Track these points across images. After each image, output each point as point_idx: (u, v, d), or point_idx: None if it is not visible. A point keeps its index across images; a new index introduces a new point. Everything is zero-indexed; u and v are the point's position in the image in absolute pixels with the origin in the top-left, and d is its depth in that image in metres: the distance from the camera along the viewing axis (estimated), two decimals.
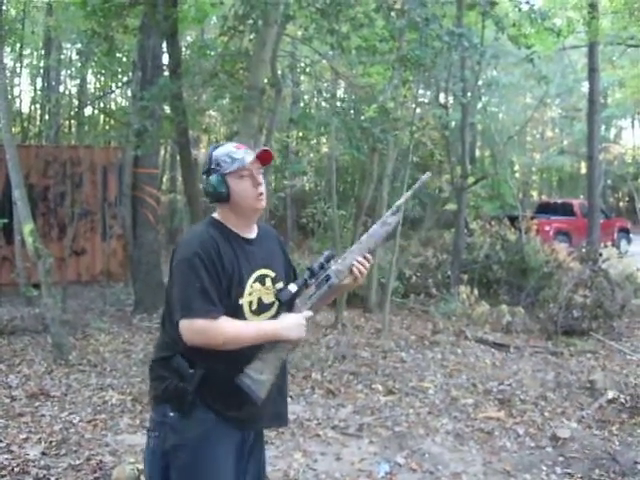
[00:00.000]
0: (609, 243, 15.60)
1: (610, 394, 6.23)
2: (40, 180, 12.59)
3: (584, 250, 11.66)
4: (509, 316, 9.44)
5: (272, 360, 2.46)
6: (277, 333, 2.45)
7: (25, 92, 23.50)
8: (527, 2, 8.27)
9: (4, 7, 14.18)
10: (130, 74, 15.00)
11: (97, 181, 13.12)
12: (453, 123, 15.69)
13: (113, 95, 23.54)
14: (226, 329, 2.38)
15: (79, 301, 11.02)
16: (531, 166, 28.69)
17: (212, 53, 9.32)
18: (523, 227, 11.99)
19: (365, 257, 2.61)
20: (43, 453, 4.76)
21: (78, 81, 21.84)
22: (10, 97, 18.41)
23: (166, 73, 10.00)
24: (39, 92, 21.26)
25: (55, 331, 7.39)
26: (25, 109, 22.27)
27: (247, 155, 2.54)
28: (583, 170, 28.52)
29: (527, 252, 11.35)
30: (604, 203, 23.51)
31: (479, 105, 15.33)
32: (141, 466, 4.26)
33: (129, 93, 18.04)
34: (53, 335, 7.45)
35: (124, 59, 16.42)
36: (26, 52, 21.61)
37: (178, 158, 12.61)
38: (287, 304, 2.55)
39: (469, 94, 11.73)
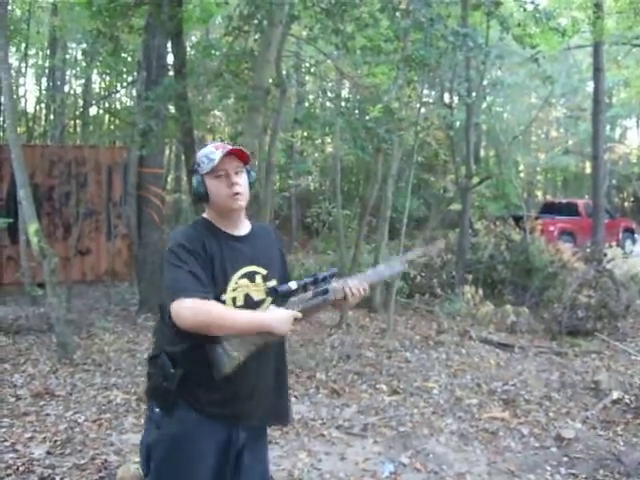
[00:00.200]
0: (614, 243, 15.59)
1: (615, 394, 6.22)
2: (45, 180, 12.63)
3: (589, 250, 11.63)
4: (514, 316, 9.43)
5: (249, 342, 2.46)
6: (266, 323, 2.44)
7: (30, 92, 23.67)
8: (532, 2, 8.27)
9: (9, 7, 14.20)
10: (135, 74, 15.05)
11: (102, 181, 13.16)
12: (458, 123, 15.67)
13: (118, 95, 23.59)
14: (218, 307, 2.40)
15: (84, 300, 11.03)
16: (536, 166, 28.67)
17: (217, 53, 9.33)
18: (528, 227, 11.97)
19: (362, 286, 2.64)
20: (48, 452, 4.77)
21: (83, 81, 21.88)
22: (15, 97, 18.44)
23: (171, 73, 10.01)
24: (44, 92, 21.30)
25: (60, 330, 7.40)
26: (30, 109, 22.34)
27: (214, 155, 2.56)
28: (588, 170, 28.46)
29: (532, 252, 11.33)
30: (609, 203, 23.45)
31: (484, 105, 15.33)
32: None
33: (134, 93, 18.09)
34: (58, 334, 7.46)
35: (129, 59, 16.45)
36: (31, 52, 21.66)
37: (183, 158, 12.63)
38: (281, 299, 2.56)
39: (474, 94, 11.72)
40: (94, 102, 21.71)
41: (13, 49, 18.97)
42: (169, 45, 10.21)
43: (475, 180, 12.52)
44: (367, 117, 10.10)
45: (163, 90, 8.38)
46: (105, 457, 4.71)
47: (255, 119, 7.37)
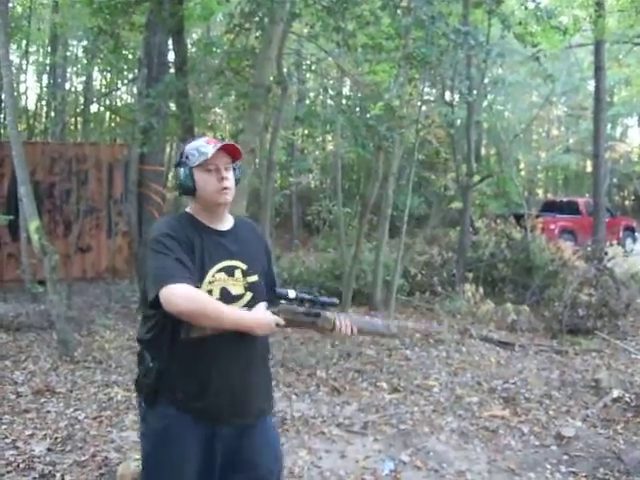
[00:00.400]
0: (614, 242, 15.56)
1: (615, 393, 6.22)
2: (46, 177, 12.62)
3: (589, 249, 11.62)
4: (514, 314, 9.43)
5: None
6: (247, 324, 2.44)
7: (31, 89, 23.63)
8: (533, 0, 8.26)
9: (10, 4, 14.19)
10: (136, 71, 15.01)
11: (103, 178, 13.14)
12: (459, 121, 15.65)
13: (119, 92, 23.60)
14: (210, 298, 2.40)
15: (84, 298, 11.03)
16: (537, 164, 28.66)
17: (218, 50, 9.33)
18: (528, 225, 11.97)
19: (352, 328, 2.63)
20: (48, 449, 4.77)
21: (84, 78, 21.88)
22: (16, 94, 18.44)
23: (172, 70, 10.02)
24: (45, 89, 21.30)
25: (60, 328, 7.40)
26: (31, 106, 22.32)
27: (207, 149, 2.56)
28: (589, 168, 28.46)
29: (532, 250, 11.34)
30: (609, 202, 23.47)
31: (485, 103, 15.34)
32: None
33: (135, 90, 18.05)
34: (58, 332, 7.47)
35: (130, 56, 16.46)
36: (32, 49, 21.66)
37: None
38: (272, 299, 2.57)
39: (475, 92, 11.71)
40: (95, 99, 21.73)
41: (14, 46, 18.97)
42: (170, 42, 10.23)
43: (476, 178, 12.51)
44: (368, 115, 10.10)
45: (164, 87, 8.38)
46: (105, 454, 4.71)
47: (256, 117, 7.37)
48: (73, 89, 22.44)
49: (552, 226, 18.13)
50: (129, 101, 22.27)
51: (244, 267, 2.60)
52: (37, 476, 4.33)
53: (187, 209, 2.66)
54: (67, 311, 8.63)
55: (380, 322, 2.78)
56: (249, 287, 2.58)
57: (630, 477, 4.57)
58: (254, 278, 2.62)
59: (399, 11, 7.74)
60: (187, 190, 2.57)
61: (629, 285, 10.21)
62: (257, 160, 11.42)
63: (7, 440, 4.91)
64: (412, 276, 11.61)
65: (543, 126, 30.52)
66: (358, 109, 11.34)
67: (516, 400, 6.20)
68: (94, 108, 22.49)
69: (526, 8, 8.56)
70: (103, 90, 23.34)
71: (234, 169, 2.64)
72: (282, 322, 2.50)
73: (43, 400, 5.91)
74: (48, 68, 20.23)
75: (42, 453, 4.68)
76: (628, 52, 19.74)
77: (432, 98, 15.11)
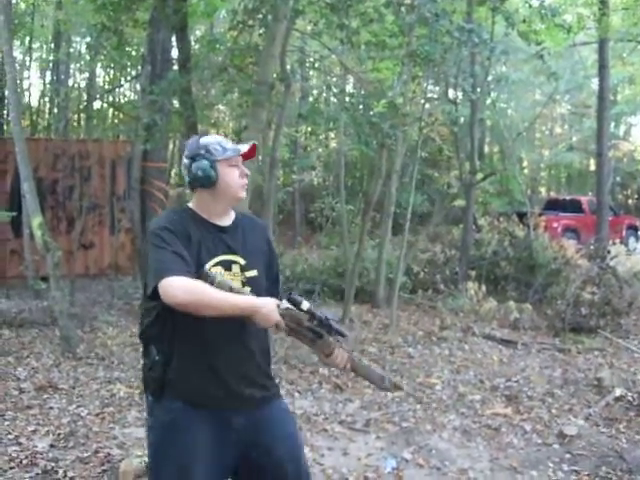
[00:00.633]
0: (617, 240, 15.57)
1: (617, 392, 6.22)
2: (49, 173, 12.63)
3: (592, 247, 11.63)
4: (517, 312, 9.43)
5: None
6: (250, 306, 2.39)
7: (34, 85, 23.66)
8: None
9: (14, 0, 14.21)
10: (139, 68, 15.01)
11: (106, 175, 13.15)
12: (462, 119, 15.61)
13: (122, 89, 23.61)
14: (208, 287, 2.37)
15: (87, 294, 11.03)
16: (540, 162, 28.58)
17: (221, 47, 9.32)
18: (531, 224, 11.97)
19: (348, 364, 2.60)
20: (51, 445, 4.78)
21: (87, 75, 21.91)
22: (19, 90, 18.44)
23: (175, 67, 10.02)
24: (48, 85, 21.32)
25: (63, 324, 7.41)
26: (34, 102, 22.36)
27: (240, 146, 2.63)
28: (592, 167, 28.36)
29: (535, 249, 11.33)
30: (613, 200, 23.40)
31: (488, 101, 15.30)
32: None
33: (138, 87, 18.05)
34: (61, 328, 7.48)
35: (133, 53, 16.46)
36: (35, 45, 21.69)
37: None
38: (275, 295, 2.54)
39: (478, 90, 11.70)
40: (98, 96, 21.72)
41: (17, 43, 19.01)
42: (173, 39, 10.22)
43: (479, 176, 12.51)
44: (371, 112, 10.10)
45: (167, 84, 8.38)
46: (108, 450, 4.72)
47: (259, 114, 7.36)
48: (76, 86, 22.47)
49: (555, 224, 18.12)
50: (132, 98, 22.28)
51: (242, 262, 2.60)
52: (40, 472, 4.34)
53: (189, 204, 2.65)
54: (70, 307, 8.65)
55: (378, 372, 2.75)
56: (247, 282, 2.57)
57: (632, 476, 4.57)
58: (253, 273, 2.61)
59: (403, 8, 7.73)
60: (206, 182, 2.56)
61: (632, 284, 10.20)
62: (260, 157, 11.42)
63: (10, 436, 4.91)
64: (415, 274, 11.61)
65: (546, 124, 30.44)
66: (361, 106, 11.34)
67: (518, 398, 6.21)
68: (97, 105, 22.51)
69: (530, 6, 8.56)
70: (106, 87, 23.35)
71: None
72: (283, 326, 2.45)
73: (46, 396, 5.92)
74: (51, 65, 20.25)
75: (45, 449, 4.69)
76: (632, 50, 19.70)
77: (435, 96, 15.12)
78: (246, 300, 2.41)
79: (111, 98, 22.93)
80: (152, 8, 9.75)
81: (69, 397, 5.92)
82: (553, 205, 20.82)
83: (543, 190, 32.50)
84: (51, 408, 5.61)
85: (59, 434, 4.99)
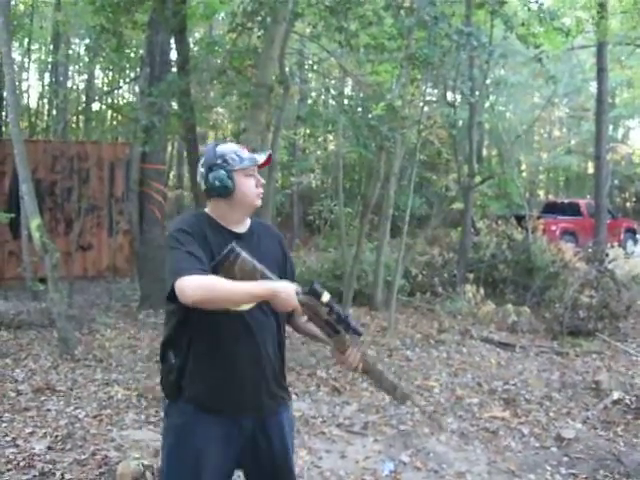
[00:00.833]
0: (615, 243, 15.60)
1: (615, 395, 6.22)
2: (47, 175, 12.63)
3: (590, 250, 11.62)
4: (515, 316, 9.43)
5: None
6: (266, 289, 2.38)
7: (33, 87, 23.69)
8: (536, 1, 8.23)
9: (13, 2, 14.21)
10: (138, 70, 14.99)
11: (104, 176, 13.15)
12: (461, 122, 15.65)
13: (121, 91, 23.57)
14: (213, 277, 2.37)
15: (85, 296, 11.04)
16: (538, 165, 28.64)
17: (220, 50, 9.32)
18: (530, 227, 11.97)
19: (360, 364, 2.62)
20: (49, 447, 4.77)
21: (86, 76, 21.88)
22: (18, 92, 18.44)
23: (174, 69, 10.00)
24: (47, 87, 21.27)
25: (61, 326, 7.41)
26: (33, 104, 22.32)
27: (257, 156, 2.64)
28: (590, 170, 28.45)
29: (533, 252, 11.34)
30: (611, 203, 23.44)
31: (487, 104, 15.32)
32: (146, 461, 4.28)
33: (137, 89, 18.01)
34: (59, 330, 7.47)
35: (132, 55, 16.43)
36: (34, 47, 21.67)
37: (185, 154, 12.61)
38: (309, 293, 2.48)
39: (477, 93, 11.71)
40: (97, 98, 21.71)
41: (16, 44, 18.99)
42: (172, 41, 10.21)
43: (477, 179, 12.51)
44: (370, 115, 10.09)
45: (166, 86, 8.37)
46: (105, 453, 4.71)
47: (258, 116, 7.36)
48: (75, 87, 22.42)
49: (553, 227, 18.14)
50: (131, 100, 22.25)
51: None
52: (37, 474, 4.33)
53: (206, 209, 2.67)
54: (68, 309, 8.64)
55: (390, 380, 2.75)
56: None
57: (630, 479, 4.57)
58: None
59: (402, 11, 7.73)
60: (223, 192, 2.57)
61: (630, 287, 10.21)
62: None
63: (7, 438, 4.91)
64: (413, 276, 11.61)
65: (545, 127, 30.50)
66: (360, 109, 11.32)
67: (516, 401, 6.21)
68: (96, 106, 22.48)
69: (529, 9, 8.54)
70: (105, 88, 23.33)
71: None
72: (300, 312, 2.44)
73: (43, 398, 5.91)
74: (50, 66, 20.20)
75: (42, 451, 4.68)
76: (630, 54, 19.73)
77: (434, 99, 15.12)
78: (263, 285, 2.40)
79: (110, 100, 22.92)
80: (151, 10, 9.74)
81: (67, 399, 5.91)
82: (551, 208, 20.85)
83: (541, 193, 32.56)
84: (49, 410, 5.60)
85: (56, 436, 4.98)
